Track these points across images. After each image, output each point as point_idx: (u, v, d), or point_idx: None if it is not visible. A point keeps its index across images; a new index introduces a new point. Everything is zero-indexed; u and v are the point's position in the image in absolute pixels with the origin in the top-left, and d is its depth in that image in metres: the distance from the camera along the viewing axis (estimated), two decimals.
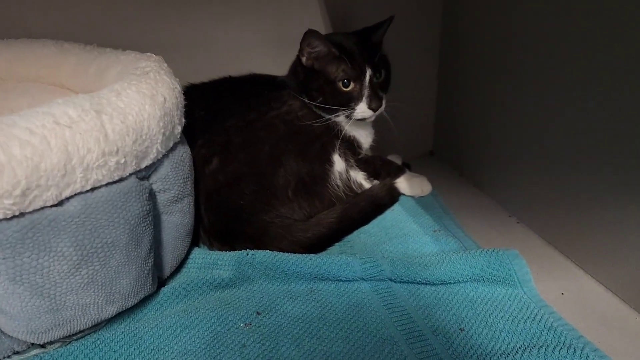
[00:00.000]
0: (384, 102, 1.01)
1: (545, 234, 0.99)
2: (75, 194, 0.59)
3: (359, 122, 1.04)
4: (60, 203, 0.58)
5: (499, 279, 0.77)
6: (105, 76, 0.87)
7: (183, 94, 1.01)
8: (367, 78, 0.98)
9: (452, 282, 0.79)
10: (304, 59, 1.01)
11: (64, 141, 0.56)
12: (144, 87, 0.70)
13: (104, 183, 0.62)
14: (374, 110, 0.99)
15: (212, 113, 0.97)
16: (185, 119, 0.79)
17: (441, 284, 0.79)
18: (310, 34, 0.95)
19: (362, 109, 0.99)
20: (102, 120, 0.61)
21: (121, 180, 0.65)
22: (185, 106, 0.80)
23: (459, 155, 1.35)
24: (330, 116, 1.00)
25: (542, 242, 0.99)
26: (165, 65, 0.83)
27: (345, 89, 0.98)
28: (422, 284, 0.80)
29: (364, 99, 0.99)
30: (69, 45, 1.01)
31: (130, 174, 0.66)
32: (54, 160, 0.55)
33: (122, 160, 0.63)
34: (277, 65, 1.11)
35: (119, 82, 0.70)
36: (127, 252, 0.67)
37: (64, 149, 0.56)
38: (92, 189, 0.61)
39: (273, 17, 1.23)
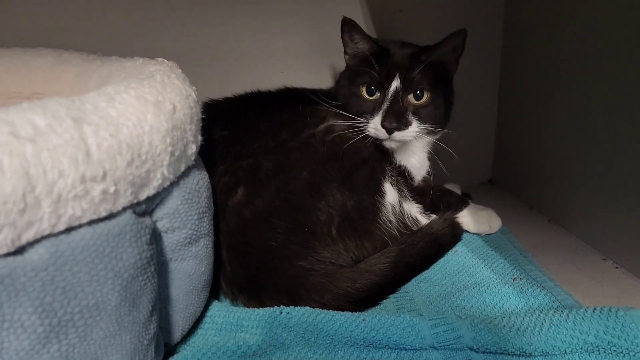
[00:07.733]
0: (412, 128, 0.83)
1: None
2: (42, 238, 0.43)
3: (407, 146, 0.90)
4: (18, 251, 0.41)
5: (621, 350, 0.61)
6: (107, 85, 0.71)
7: (201, 110, 0.85)
8: (392, 88, 0.83)
9: (556, 353, 0.62)
10: (346, 58, 0.91)
11: (24, 161, 0.40)
12: (146, 92, 0.53)
13: (84, 221, 0.45)
14: (388, 131, 0.81)
15: (237, 132, 0.81)
16: (202, 137, 0.64)
17: (542, 355, 0.63)
18: (347, 24, 0.86)
19: (374, 125, 0.83)
20: (82, 132, 0.44)
21: (110, 216, 0.47)
22: (203, 122, 0.65)
23: (526, 184, 1.19)
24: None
25: None
26: (179, 70, 0.68)
27: (369, 97, 0.86)
28: (516, 355, 0.63)
29: (380, 113, 0.82)
30: (68, 54, 0.87)
31: (124, 208, 0.49)
32: (7, 189, 0.38)
33: (112, 189, 0.46)
34: (314, 77, 0.97)
35: (113, 84, 0.53)
36: (118, 317, 0.49)
37: (22, 173, 0.39)
38: (67, 230, 0.44)
39: (309, 21, 1.08)
